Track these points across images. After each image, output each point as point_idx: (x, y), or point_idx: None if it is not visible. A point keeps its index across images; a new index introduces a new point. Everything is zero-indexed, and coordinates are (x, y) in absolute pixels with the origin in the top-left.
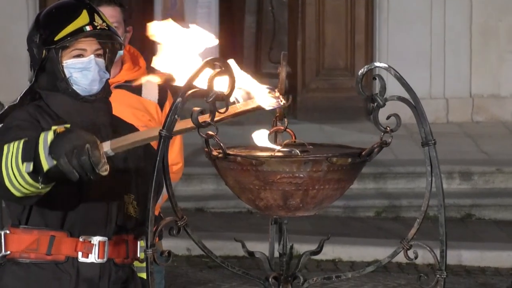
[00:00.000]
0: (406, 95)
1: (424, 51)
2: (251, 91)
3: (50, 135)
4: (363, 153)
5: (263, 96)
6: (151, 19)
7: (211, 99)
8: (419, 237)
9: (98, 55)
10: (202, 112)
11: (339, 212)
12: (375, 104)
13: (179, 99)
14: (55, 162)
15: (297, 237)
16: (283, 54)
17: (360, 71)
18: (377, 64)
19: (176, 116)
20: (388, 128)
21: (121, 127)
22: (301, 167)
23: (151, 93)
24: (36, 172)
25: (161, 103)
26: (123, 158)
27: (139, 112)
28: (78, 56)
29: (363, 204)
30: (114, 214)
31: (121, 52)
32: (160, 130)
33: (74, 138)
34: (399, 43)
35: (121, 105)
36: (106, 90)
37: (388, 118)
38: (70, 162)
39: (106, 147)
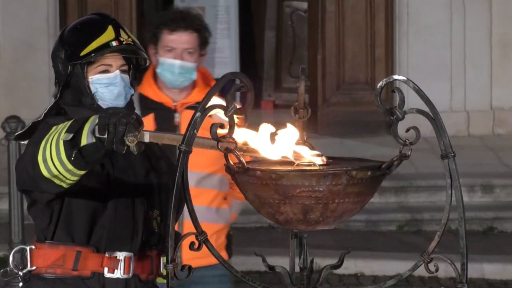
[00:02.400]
0: (425, 108)
1: (444, 63)
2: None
3: (103, 111)
4: (382, 166)
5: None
6: None
7: (230, 113)
8: (441, 250)
9: (123, 71)
10: (221, 127)
11: (361, 226)
12: (394, 117)
13: (198, 114)
14: (94, 140)
15: (319, 252)
16: (302, 68)
17: (379, 84)
18: (396, 77)
19: (195, 130)
20: (408, 141)
21: (146, 144)
22: (320, 181)
23: (221, 114)
24: (72, 148)
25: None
26: (145, 173)
27: (208, 132)
28: (104, 71)
29: (384, 218)
30: (140, 229)
31: (193, 76)
32: (179, 145)
33: (125, 111)
34: (419, 56)
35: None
36: (130, 106)
37: (407, 131)
38: (109, 117)
39: (146, 132)
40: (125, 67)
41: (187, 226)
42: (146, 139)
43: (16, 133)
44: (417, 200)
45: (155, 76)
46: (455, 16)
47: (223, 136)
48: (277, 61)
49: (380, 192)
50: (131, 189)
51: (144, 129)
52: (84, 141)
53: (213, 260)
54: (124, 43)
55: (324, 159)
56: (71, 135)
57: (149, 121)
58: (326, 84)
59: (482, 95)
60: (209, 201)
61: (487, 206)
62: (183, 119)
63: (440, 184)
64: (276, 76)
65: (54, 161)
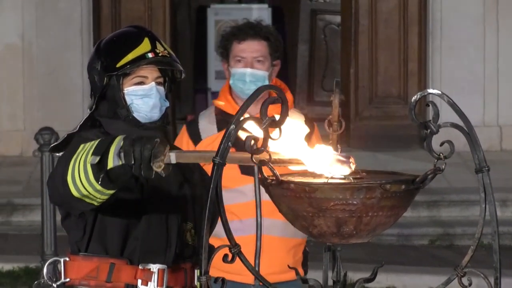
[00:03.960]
0: (458, 122)
1: (477, 78)
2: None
3: (127, 138)
4: (416, 179)
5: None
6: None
7: (264, 125)
8: (473, 265)
9: (158, 83)
10: (255, 139)
11: (393, 240)
12: (429, 131)
13: (232, 126)
14: (120, 163)
15: (351, 265)
16: (336, 81)
17: (414, 97)
18: (430, 90)
19: (229, 143)
20: (442, 155)
21: None
22: (354, 194)
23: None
24: (100, 170)
25: (307, 137)
26: (178, 185)
27: None
28: (139, 83)
29: (416, 232)
30: (173, 241)
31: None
32: (214, 157)
33: (146, 135)
34: (452, 70)
35: None
36: (165, 118)
37: (441, 145)
38: (133, 145)
39: (172, 154)
40: (161, 79)
41: (266, 239)
42: (173, 160)
43: (51, 145)
44: (449, 214)
45: (230, 91)
46: (488, 31)
47: (257, 149)
48: (310, 74)
49: (413, 206)
50: (164, 201)
51: (218, 144)
52: (110, 164)
53: (288, 276)
54: (160, 55)
55: (353, 161)
56: (97, 158)
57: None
58: (359, 98)
59: None
60: None
61: None
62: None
63: (472, 199)
64: (309, 89)
65: (83, 182)
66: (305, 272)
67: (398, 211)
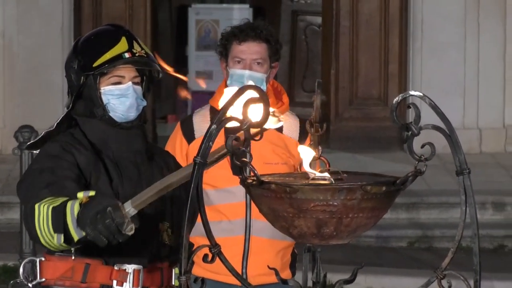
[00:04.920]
0: (439, 124)
1: (457, 81)
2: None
3: (76, 207)
4: (397, 181)
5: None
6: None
7: (245, 126)
8: (452, 267)
9: (136, 83)
10: (236, 139)
11: (371, 242)
12: (410, 132)
13: (213, 126)
14: (84, 234)
15: (330, 267)
16: (318, 82)
17: (395, 99)
18: (412, 92)
19: (210, 143)
20: (423, 157)
21: (157, 154)
22: (335, 195)
23: (292, 130)
24: (68, 241)
25: (301, 140)
26: None
27: (279, 149)
28: (116, 83)
29: (395, 234)
30: (149, 241)
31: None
32: (195, 157)
33: (95, 204)
34: (433, 72)
35: (262, 140)
36: (142, 118)
37: (422, 147)
38: (95, 229)
39: (128, 206)
40: (138, 79)
41: (255, 241)
42: (134, 211)
43: (28, 143)
44: (428, 216)
45: None
46: (469, 33)
47: (239, 149)
48: (291, 75)
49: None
50: None
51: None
52: (75, 237)
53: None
54: (137, 55)
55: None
56: (62, 236)
57: (220, 135)
58: (339, 99)
59: (495, 113)
60: None
61: (498, 223)
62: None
63: (451, 201)
64: (289, 90)
65: (58, 247)
66: (293, 274)
67: (378, 213)
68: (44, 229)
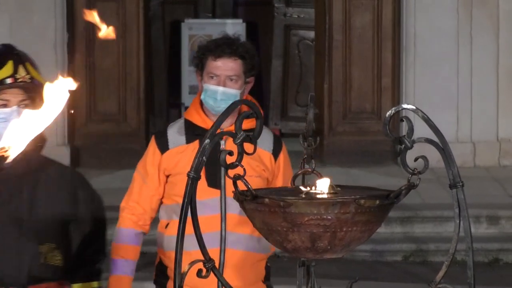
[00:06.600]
0: (432, 138)
1: (450, 94)
2: None
3: None
4: (391, 195)
5: None
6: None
7: (239, 140)
8: (446, 281)
9: (25, 106)
10: (230, 154)
11: (366, 256)
12: (403, 146)
13: (207, 141)
14: None
15: (325, 281)
16: (311, 96)
17: (388, 112)
18: (404, 106)
19: (204, 157)
20: (416, 170)
21: (39, 170)
22: (329, 209)
23: (266, 143)
24: None
25: (275, 153)
26: (30, 205)
27: (253, 162)
28: (2, 106)
29: (390, 248)
30: (25, 264)
31: None
32: (188, 172)
33: None
34: (426, 86)
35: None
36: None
37: (415, 160)
38: None
39: None
40: (27, 101)
41: (230, 254)
42: None
43: None
44: (422, 230)
45: (201, 103)
46: (462, 47)
47: (232, 163)
48: (284, 89)
49: (386, 222)
50: (12, 225)
51: (188, 155)
52: None
53: None
54: (19, 80)
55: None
56: None
57: (194, 148)
58: (333, 113)
59: (488, 126)
60: (252, 229)
61: (492, 237)
62: (228, 147)
63: (446, 215)
64: (283, 104)
65: None
66: (268, 287)
67: (372, 226)
68: None
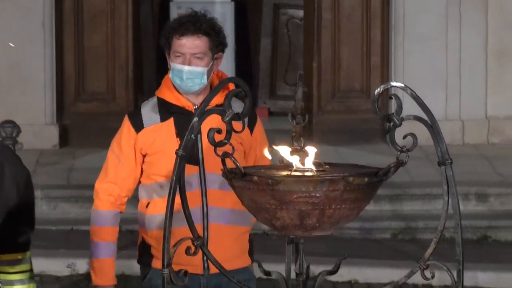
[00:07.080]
0: (421, 115)
1: (439, 72)
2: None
3: None
4: (379, 172)
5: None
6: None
7: (227, 118)
8: (434, 258)
9: None
10: (218, 132)
11: (355, 234)
12: (392, 123)
13: (195, 119)
14: None
15: (313, 259)
16: (299, 74)
17: (377, 90)
18: (393, 83)
19: (192, 135)
20: (405, 148)
21: None
22: (317, 187)
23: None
24: None
25: (250, 126)
26: None
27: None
28: None
29: (379, 225)
30: None
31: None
32: (177, 150)
33: None
34: (415, 64)
35: (211, 127)
36: None
37: (404, 137)
38: None
39: None
40: None
41: (213, 228)
42: None
43: None
44: (411, 208)
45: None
46: (451, 25)
47: (221, 141)
48: (273, 68)
49: (375, 200)
50: None
51: (163, 134)
52: None
53: (236, 264)
54: None
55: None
56: None
57: (169, 125)
58: (321, 92)
59: (477, 104)
60: (233, 203)
61: (481, 214)
62: (203, 121)
63: (435, 193)
64: (272, 83)
65: None
66: (252, 260)
67: (361, 204)
68: None
